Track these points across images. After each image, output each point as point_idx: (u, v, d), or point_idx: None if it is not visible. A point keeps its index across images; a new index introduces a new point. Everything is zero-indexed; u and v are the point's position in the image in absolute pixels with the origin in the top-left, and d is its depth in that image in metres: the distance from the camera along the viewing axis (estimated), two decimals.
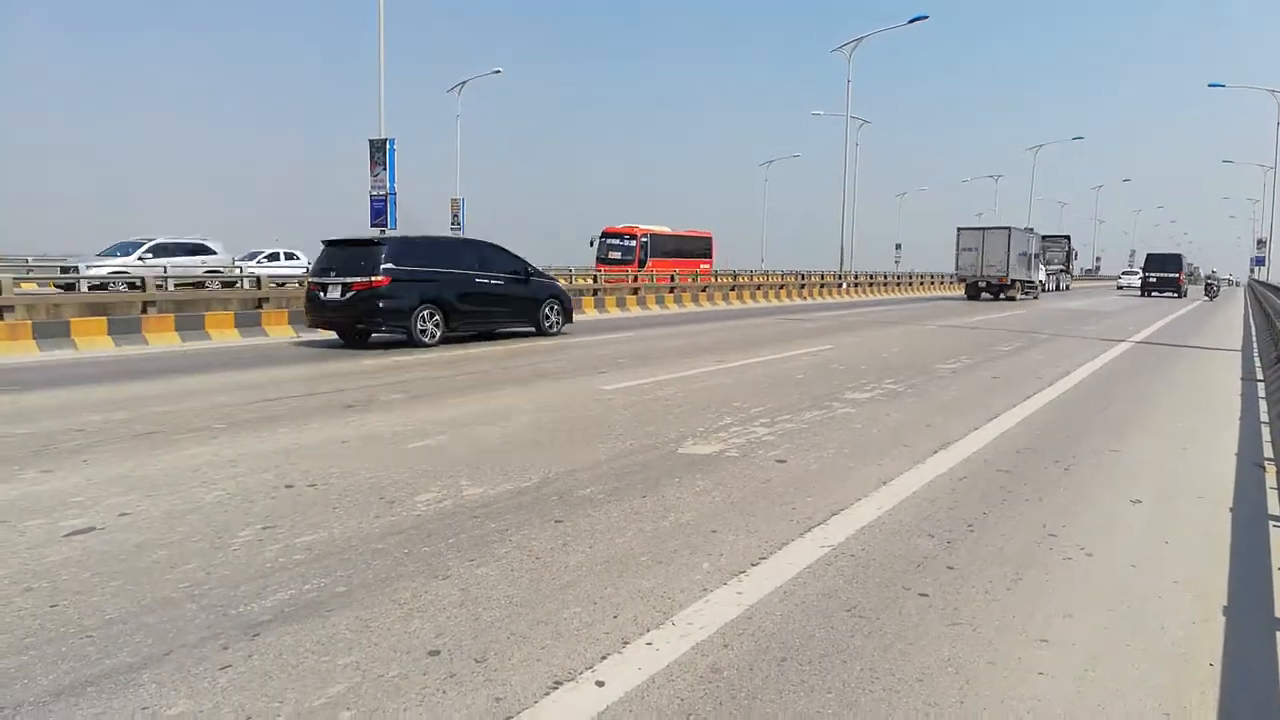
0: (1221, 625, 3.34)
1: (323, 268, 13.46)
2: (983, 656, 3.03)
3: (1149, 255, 50.08)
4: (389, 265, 12.95)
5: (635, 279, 30.63)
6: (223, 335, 14.60)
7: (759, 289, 33.77)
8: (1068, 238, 58.03)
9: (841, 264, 44.00)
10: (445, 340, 13.78)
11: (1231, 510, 4.94)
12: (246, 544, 4.08)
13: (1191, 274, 55.25)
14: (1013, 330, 18.34)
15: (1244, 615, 3.45)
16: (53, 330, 12.75)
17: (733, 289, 32.27)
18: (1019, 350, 13.95)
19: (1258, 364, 12.67)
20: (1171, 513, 4.92)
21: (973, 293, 37.49)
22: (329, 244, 13.78)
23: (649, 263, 37.46)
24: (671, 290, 28.46)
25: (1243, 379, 10.97)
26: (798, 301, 33.28)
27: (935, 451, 6.24)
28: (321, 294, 13.15)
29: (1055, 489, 5.32)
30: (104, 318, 13.70)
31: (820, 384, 9.61)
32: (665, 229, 39.92)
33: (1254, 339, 17.36)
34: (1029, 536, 4.37)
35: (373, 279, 12.77)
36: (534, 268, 15.64)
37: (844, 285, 40.37)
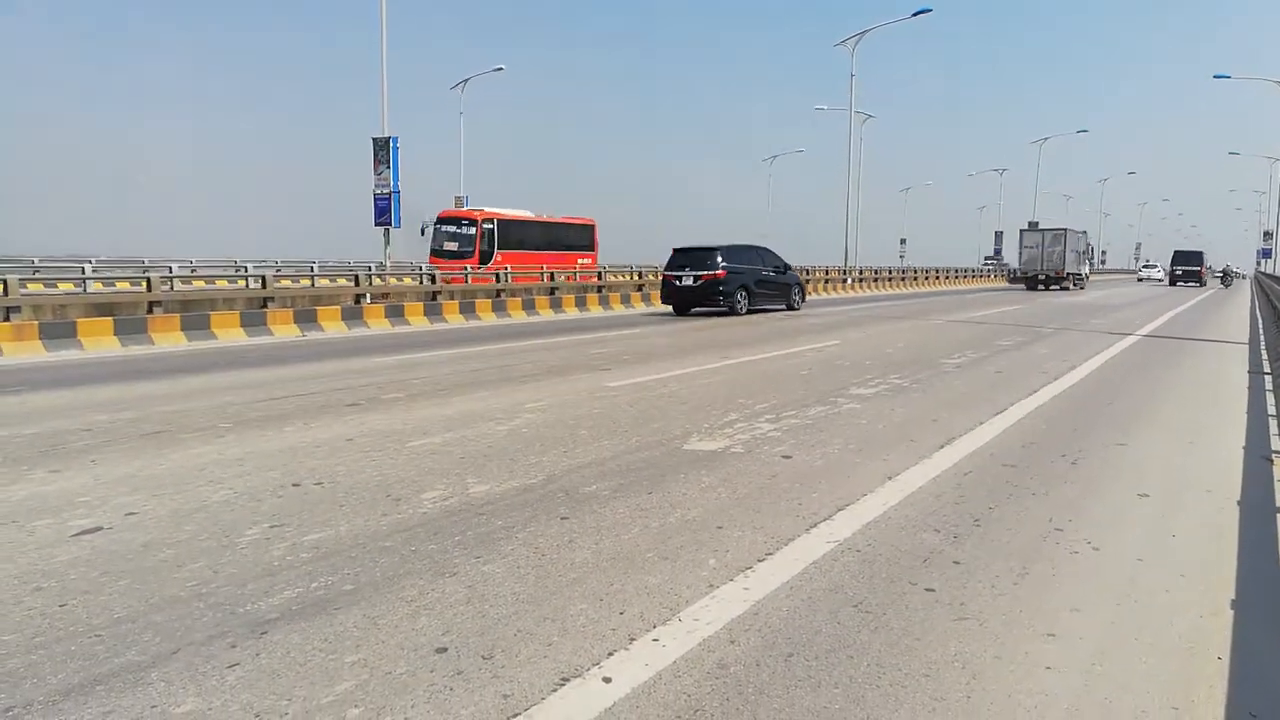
0: (1230, 619, 3.33)
1: (677, 265, 21.14)
2: (989, 651, 3.03)
3: (1176, 252, 61.19)
4: (723, 263, 20.53)
5: (640, 275, 30.31)
6: (229, 335, 14.64)
7: None
8: (1084, 233, 59.40)
9: (846, 259, 43.95)
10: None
11: (1239, 504, 4.93)
12: (253, 542, 4.09)
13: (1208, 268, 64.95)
14: (1018, 325, 18.30)
15: (1252, 609, 3.44)
16: (59, 331, 12.80)
17: None
18: (1023, 345, 13.91)
19: (1265, 357, 12.62)
20: (1179, 506, 4.91)
21: (1031, 284, 43.41)
22: (678, 250, 21.36)
23: (497, 256, 31.26)
24: None
25: (1250, 372, 10.93)
26: None
27: (941, 446, 6.23)
28: (676, 282, 20.97)
29: (1062, 483, 5.31)
30: (110, 318, 13.75)
31: (825, 380, 9.60)
32: (526, 214, 33.82)
33: (1261, 332, 17.30)
34: (1035, 531, 4.37)
35: (716, 272, 20.42)
36: (788, 264, 23.36)
37: (849, 280, 40.31)
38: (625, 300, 25.02)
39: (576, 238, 36.81)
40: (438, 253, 31.82)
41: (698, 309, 21.50)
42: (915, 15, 38.18)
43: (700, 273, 20.52)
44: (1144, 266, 77.59)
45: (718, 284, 20.38)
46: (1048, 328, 17.48)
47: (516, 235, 33.19)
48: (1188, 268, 57.82)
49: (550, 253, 33.80)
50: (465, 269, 28.45)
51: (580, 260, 34.72)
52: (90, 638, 3.09)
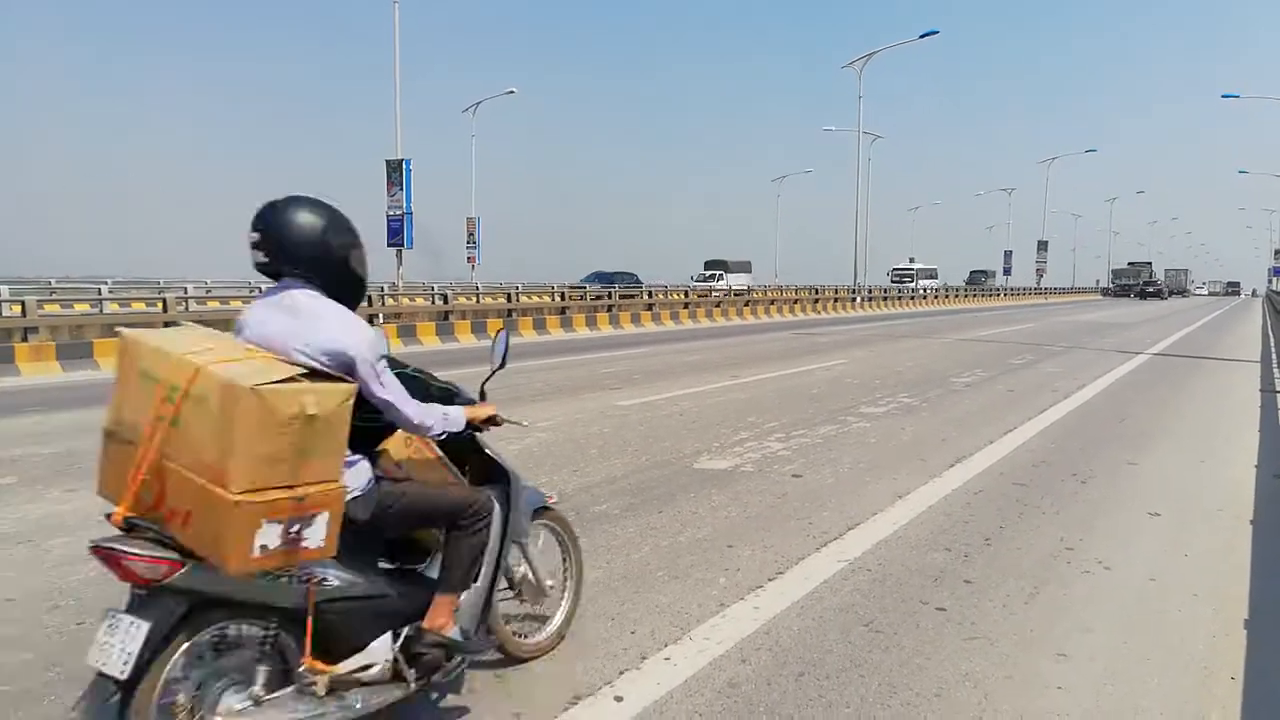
0: (1243, 639, 3.31)
1: (1124, 275, 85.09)
2: (1000, 670, 3.03)
3: (1228, 281, 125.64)
4: (1152, 280, 79.62)
5: (650, 294, 30.52)
6: None
7: (772, 304, 33.77)
8: (1149, 264, 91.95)
9: (855, 278, 43.96)
10: None
11: (1251, 523, 4.90)
12: None
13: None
14: (1028, 343, 18.26)
15: (1265, 629, 3.42)
16: (76, 351, 12.92)
17: (746, 304, 32.30)
18: (1033, 363, 13.88)
19: (1277, 375, 12.56)
20: (1190, 525, 4.89)
21: (1122, 293, 78.47)
22: (1130, 263, 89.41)
23: None
24: (685, 306, 28.55)
25: (1262, 390, 10.87)
26: (811, 316, 33.26)
27: (951, 465, 6.23)
28: (1126, 284, 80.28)
29: (1072, 502, 5.30)
30: None
31: (835, 399, 9.60)
32: None
33: (1272, 350, 17.20)
34: (1046, 550, 4.36)
35: (1155, 286, 75.71)
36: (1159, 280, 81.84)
37: (857, 300, 40.31)
38: (635, 320, 25.08)
39: None
40: None
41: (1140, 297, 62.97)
42: (923, 37, 38.37)
43: (1143, 282, 74.85)
44: (1196, 287, 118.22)
45: (1159, 290, 71.16)
46: (1057, 346, 17.43)
47: None
48: (1233, 287, 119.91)
49: None
50: (476, 287, 28.58)
51: None
52: None
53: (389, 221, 23.83)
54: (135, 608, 2.04)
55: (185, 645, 2.04)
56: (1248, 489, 5.70)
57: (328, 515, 2.07)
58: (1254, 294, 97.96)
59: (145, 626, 1.96)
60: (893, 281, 69.29)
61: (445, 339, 18.80)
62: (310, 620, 2.17)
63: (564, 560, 3.25)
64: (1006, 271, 74.46)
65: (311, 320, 2.23)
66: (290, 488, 1.98)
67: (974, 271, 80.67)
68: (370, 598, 2.33)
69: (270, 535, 1.96)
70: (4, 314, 15.19)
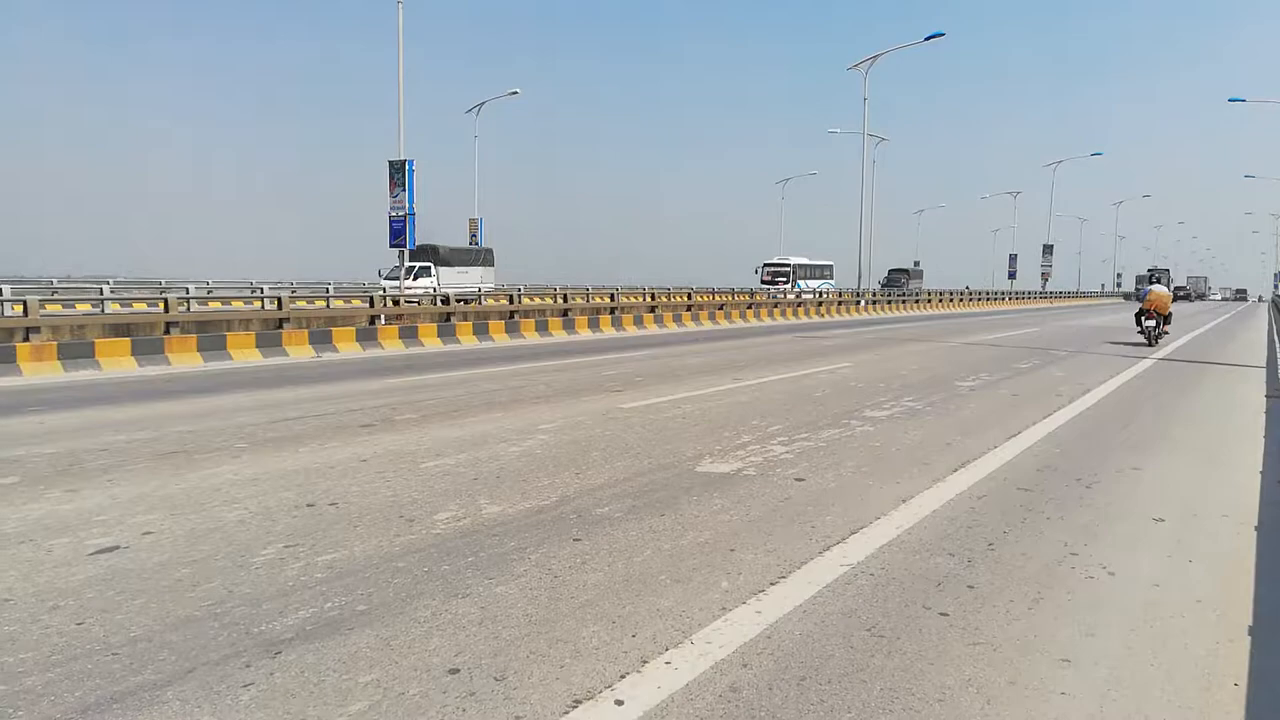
0: (1247, 645, 3.30)
1: (1145, 279, 68.94)
2: (1004, 676, 3.01)
3: (1236, 288, 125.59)
4: (1183, 286, 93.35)
5: (653, 296, 30.46)
6: (244, 355, 14.76)
7: (776, 306, 33.76)
8: (1167, 270, 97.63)
9: (859, 281, 43.93)
10: None
11: (1256, 529, 4.88)
12: (268, 562, 4.12)
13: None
14: (1033, 348, 18.23)
15: (1269, 635, 3.41)
16: (77, 351, 12.93)
17: (749, 306, 32.29)
18: (1038, 367, 13.85)
19: None
20: (1195, 531, 4.87)
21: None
22: (1150, 270, 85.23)
23: None
24: (689, 308, 28.54)
25: (1268, 396, 10.83)
26: (815, 319, 33.25)
27: (955, 469, 6.21)
28: (1150, 282, 38.13)
29: (1076, 507, 5.28)
30: (127, 339, 13.88)
31: (839, 402, 9.58)
32: None
33: (1278, 356, 17.15)
34: (1050, 555, 4.34)
35: (1184, 291, 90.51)
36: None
37: (862, 303, 40.28)
38: (638, 322, 25.07)
39: None
40: None
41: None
42: (928, 39, 38.33)
43: (1175, 287, 63.43)
44: (1211, 293, 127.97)
45: (1187, 294, 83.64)
46: (1063, 350, 17.39)
47: None
48: (1240, 293, 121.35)
49: None
50: (478, 289, 28.47)
51: None
52: (107, 656, 3.11)
53: (391, 222, 23.76)
54: (1148, 319, 18.54)
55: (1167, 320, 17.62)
56: (1253, 495, 5.68)
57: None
58: (1259, 299, 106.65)
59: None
60: (763, 282, 51.79)
61: (447, 340, 18.80)
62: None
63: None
64: (1011, 275, 74.29)
65: (1166, 290, 17.36)
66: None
67: (892, 270, 65.31)
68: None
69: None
70: (6, 314, 15.25)
